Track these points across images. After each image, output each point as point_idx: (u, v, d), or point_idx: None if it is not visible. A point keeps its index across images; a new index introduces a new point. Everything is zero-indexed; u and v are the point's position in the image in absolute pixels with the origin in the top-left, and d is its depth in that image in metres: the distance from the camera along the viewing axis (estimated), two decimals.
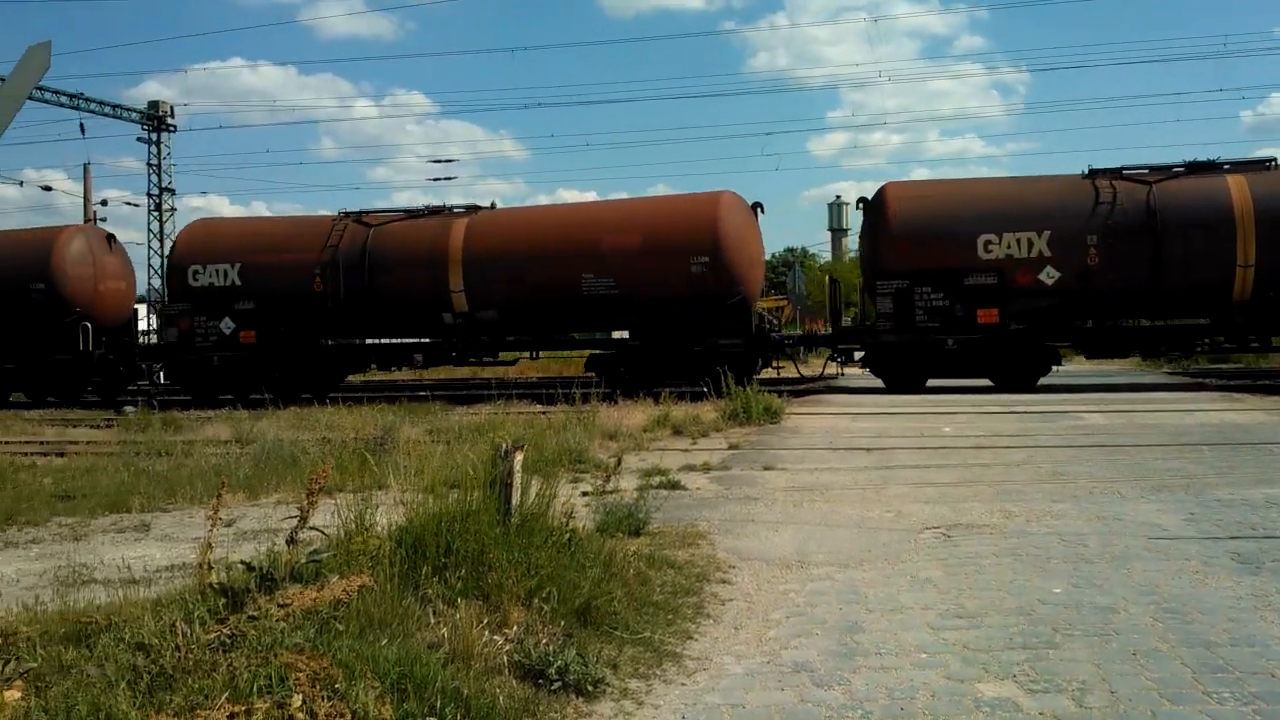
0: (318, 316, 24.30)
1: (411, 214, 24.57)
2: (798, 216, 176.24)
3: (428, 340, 24.91)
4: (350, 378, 28.53)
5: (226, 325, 24.55)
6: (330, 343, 25.30)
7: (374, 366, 26.69)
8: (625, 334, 24.10)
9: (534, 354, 26.39)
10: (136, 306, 29.40)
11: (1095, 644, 4.84)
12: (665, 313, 22.20)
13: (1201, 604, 5.44)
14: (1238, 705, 4.06)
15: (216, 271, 24.66)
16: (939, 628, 5.14)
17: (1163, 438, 12.40)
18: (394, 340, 25.69)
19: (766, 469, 10.65)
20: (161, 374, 27.45)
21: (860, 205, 23.38)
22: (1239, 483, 9.10)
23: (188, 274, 24.76)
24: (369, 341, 25.60)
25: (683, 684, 4.47)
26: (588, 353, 25.30)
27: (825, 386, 24.94)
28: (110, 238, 27.33)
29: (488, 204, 24.66)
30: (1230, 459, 10.63)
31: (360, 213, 24.66)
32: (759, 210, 23.29)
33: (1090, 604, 5.49)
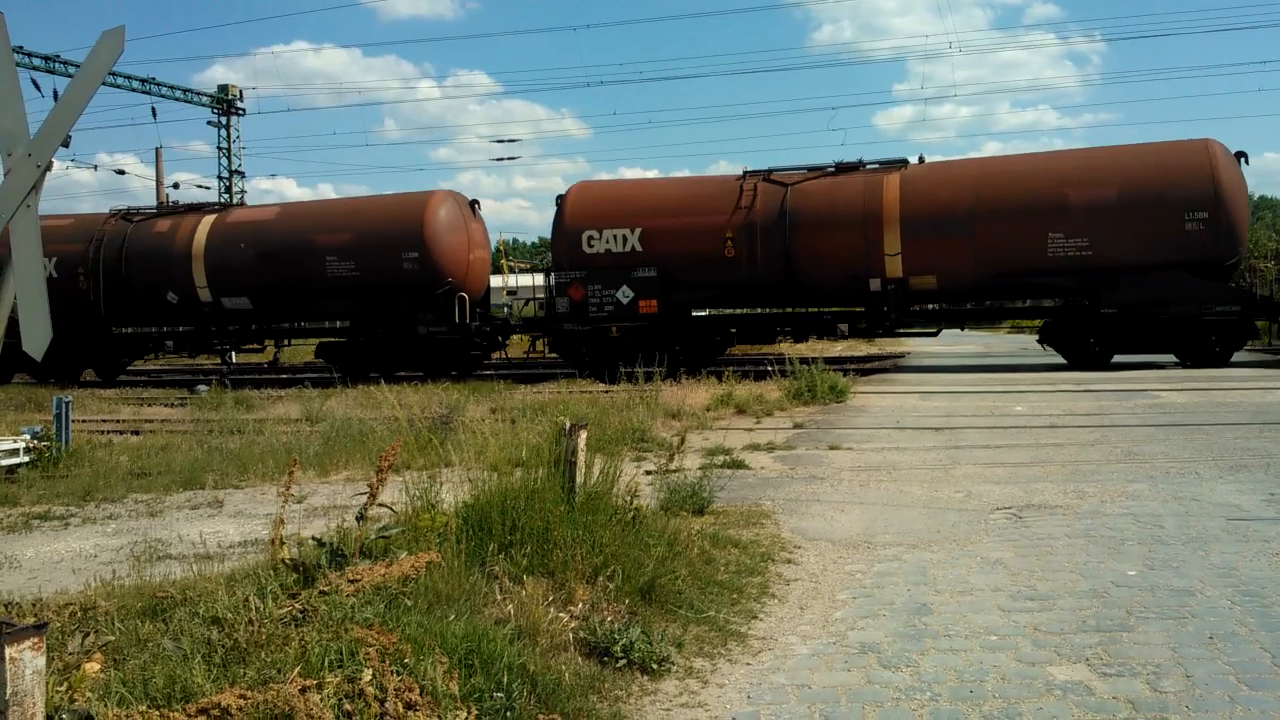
0: (728, 284, 22.55)
1: (817, 171, 22.59)
2: None
3: (852, 309, 22.69)
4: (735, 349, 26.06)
5: (624, 294, 22.98)
6: (740, 312, 23.68)
7: (789, 337, 24.33)
8: (1086, 302, 20.88)
9: (963, 326, 24.44)
10: None
11: (1170, 627, 4.73)
12: (1145, 278, 19.86)
13: None
14: None
15: (614, 237, 23.11)
16: (1009, 610, 5.05)
17: (1242, 416, 12.06)
18: (811, 310, 23.34)
19: (832, 448, 10.57)
20: (546, 346, 25.58)
21: None
22: None
23: (581, 240, 23.21)
24: (786, 310, 23.40)
25: (748, 664, 4.45)
26: (1023, 323, 24.02)
27: (894, 365, 24.69)
28: (474, 204, 25.86)
29: (911, 158, 22.43)
30: None
31: (768, 171, 22.77)
32: (1243, 159, 20.56)
33: (1166, 586, 5.36)
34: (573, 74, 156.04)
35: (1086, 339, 21.08)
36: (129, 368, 30.01)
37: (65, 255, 26.52)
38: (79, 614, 4.30)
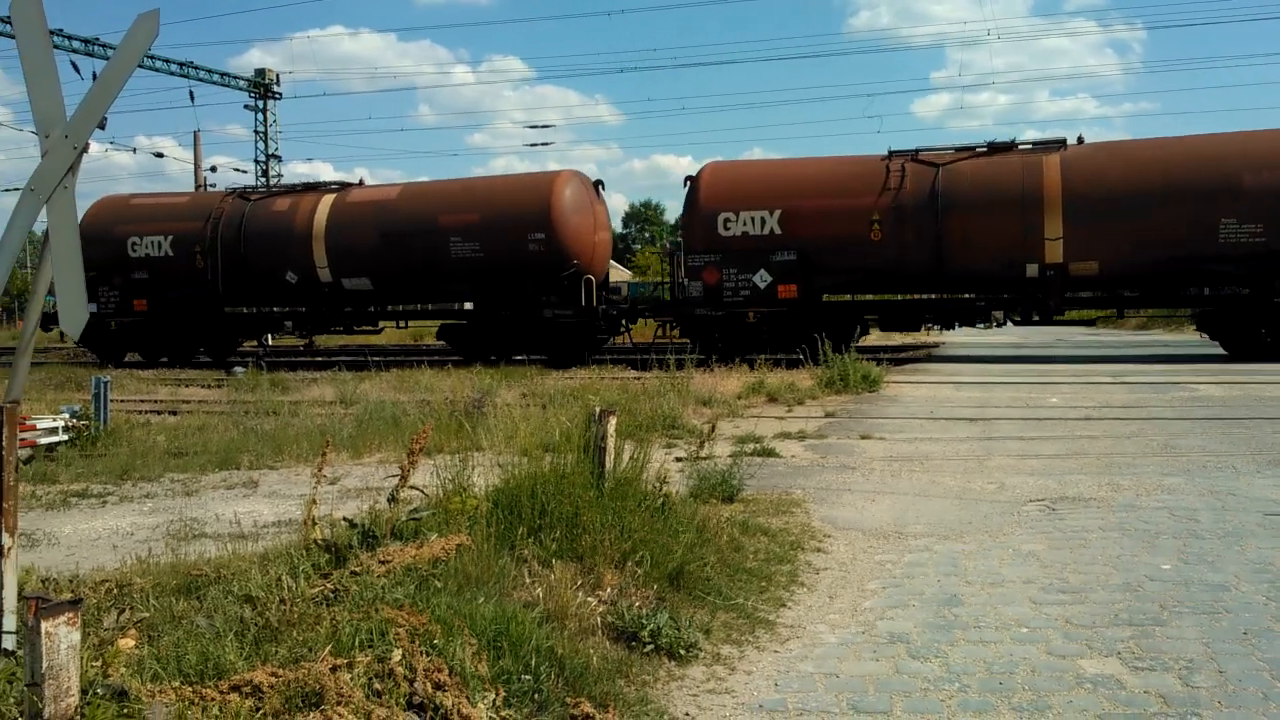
0: (872, 268, 21.59)
1: (967, 151, 21.59)
2: None
3: (1000, 296, 21.62)
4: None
5: (762, 278, 22.02)
6: (880, 298, 22.88)
7: (933, 325, 23.47)
8: (1250, 291, 20.02)
9: (1120, 312, 23.33)
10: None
11: (1204, 622, 4.68)
12: None
13: None
14: None
15: (752, 219, 22.13)
16: (1041, 602, 5.02)
17: None
18: (962, 296, 22.20)
19: (864, 438, 10.52)
20: (675, 330, 24.49)
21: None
22: None
23: (717, 222, 22.27)
24: (933, 297, 22.54)
25: (776, 651, 4.45)
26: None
27: (927, 355, 24.52)
28: (598, 184, 25.13)
29: (1070, 139, 21.32)
30: None
31: (914, 151, 21.77)
32: None
33: (1200, 581, 5.30)
34: (606, 59, 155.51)
35: (1257, 329, 20.21)
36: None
37: (181, 234, 26.39)
38: (115, 591, 4.36)
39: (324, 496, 5.65)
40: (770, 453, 9.48)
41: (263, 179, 46.72)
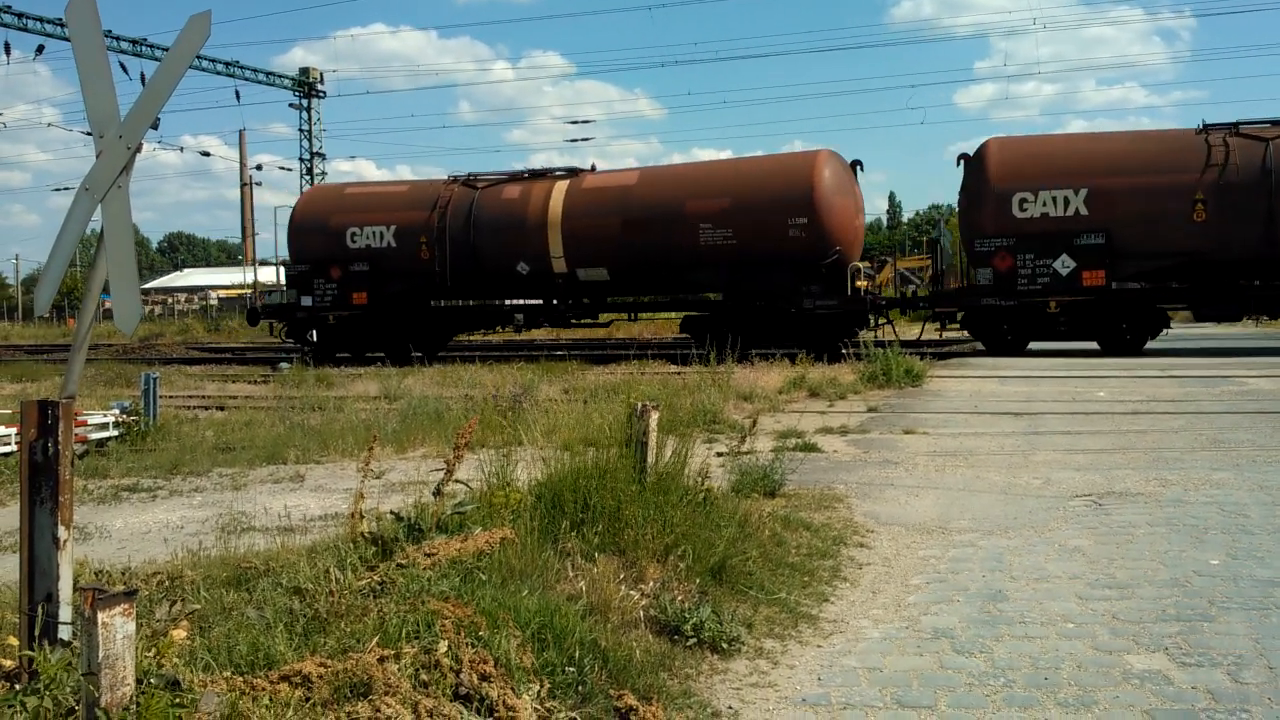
0: (1190, 252, 19.94)
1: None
2: (944, 171, 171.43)
3: None
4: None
5: (1064, 264, 20.38)
6: (1196, 285, 20.81)
7: (1260, 315, 21.76)
8: None
9: None
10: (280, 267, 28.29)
11: (1254, 618, 4.61)
12: None
13: None
14: None
15: (1053, 199, 20.50)
16: (1087, 598, 4.97)
17: None
18: None
19: (906, 433, 10.46)
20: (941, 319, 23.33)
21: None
22: None
23: (1011, 203, 20.70)
24: (1257, 283, 20.66)
25: (818, 646, 4.45)
26: None
27: (971, 350, 24.31)
28: (855, 164, 23.43)
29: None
30: None
31: (1234, 124, 20.27)
32: None
33: (1249, 577, 5.23)
34: (646, 54, 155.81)
35: None
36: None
37: (405, 223, 25.22)
38: (166, 583, 4.44)
39: (369, 490, 5.71)
40: (812, 448, 9.45)
41: (307, 177, 47.19)
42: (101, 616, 2.74)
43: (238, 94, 47.56)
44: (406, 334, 25.71)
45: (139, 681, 2.92)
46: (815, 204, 21.57)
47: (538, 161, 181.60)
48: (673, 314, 26.67)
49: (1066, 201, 20.32)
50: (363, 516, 4.67)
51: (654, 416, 5.84)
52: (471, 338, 30.08)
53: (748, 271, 22.18)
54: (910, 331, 24.85)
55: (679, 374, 15.58)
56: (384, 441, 9.62)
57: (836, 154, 22.76)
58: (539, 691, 3.43)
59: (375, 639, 3.45)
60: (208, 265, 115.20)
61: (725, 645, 4.29)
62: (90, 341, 3.95)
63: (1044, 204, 20.44)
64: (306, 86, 46.44)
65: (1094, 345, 21.58)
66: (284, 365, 22.95)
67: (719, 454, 8.64)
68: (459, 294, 25.92)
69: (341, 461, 9.23)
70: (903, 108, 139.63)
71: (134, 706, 2.84)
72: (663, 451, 5.92)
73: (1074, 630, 4.52)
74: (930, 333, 24.04)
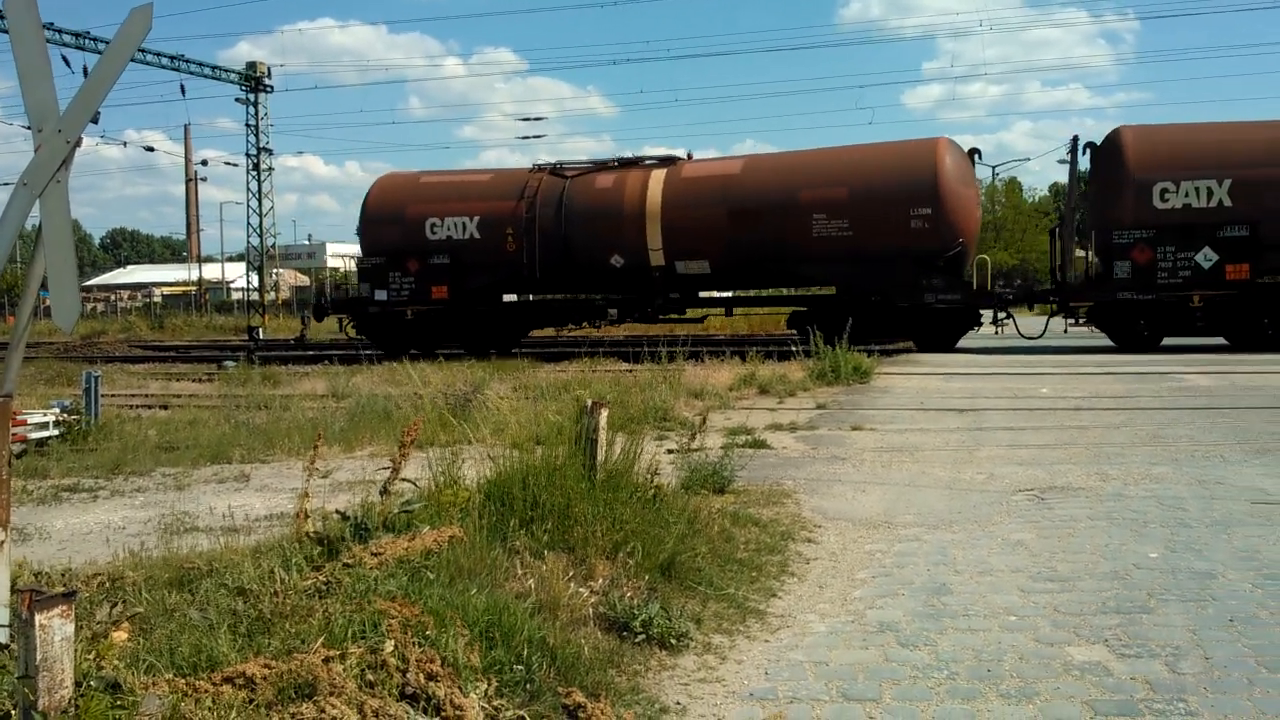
0: None
1: None
2: None
3: None
4: None
5: (1205, 257, 19.70)
6: None
7: None
8: None
9: None
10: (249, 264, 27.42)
11: (1191, 609, 4.72)
12: None
13: None
14: None
15: (1195, 190, 19.73)
16: (1029, 591, 5.06)
17: (1268, 400, 11.96)
18: None
19: (854, 429, 10.56)
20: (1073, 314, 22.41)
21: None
22: None
23: (1152, 194, 19.89)
24: None
25: (766, 640, 4.48)
26: None
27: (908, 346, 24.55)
28: (973, 153, 22.46)
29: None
30: None
31: None
32: None
33: (1187, 569, 5.35)
34: (599, 51, 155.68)
35: None
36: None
37: (489, 214, 24.00)
38: (107, 584, 4.38)
39: (316, 490, 5.65)
40: (761, 444, 9.51)
41: (254, 173, 46.58)
42: (39, 618, 2.69)
43: (183, 88, 46.80)
44: (489, 329, 24.67)
45: (78, 684, 2.88)
46: (940, 194, 20.85)
47: (489, 158, 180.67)
48: (770, 309, 25.80)
49: (1210, 192, 19.74)
50: (308, 516, 4.62)
51: (604, 414, 5.84)
52: (543, 334, 28.57)
53: (864, 264, 21.31)
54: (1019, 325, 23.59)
55: (631, 371, 15.58)
56: (331, 440, 9.53)
57: (955, 142, 22.09)
58: (486, 690, 3.43)
59: (320, 639, 3.42)
60: (151, 262, 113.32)
61: (674, 641, 4.31)
62: (30, 339, 3.87)
63: (1186, 194, 19.81)
64: (253, 81, 45.74)
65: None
66: (229, 363, 22.63)
67: (669, 451, 8.67)
68: (547, 288, 24.85)
69: (288, 461, 9.12)
70: (852, 108, 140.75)
71: (73, 710, 2.79)
72: (612, 449, 5.93)
73: (1016, 623, 4.60)
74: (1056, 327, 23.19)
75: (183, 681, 3.14)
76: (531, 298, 25.59)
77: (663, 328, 27.14)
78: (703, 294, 24.44)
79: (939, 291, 21.19)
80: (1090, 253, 21.49)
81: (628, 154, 24.94)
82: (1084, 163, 22.55)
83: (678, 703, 3.82)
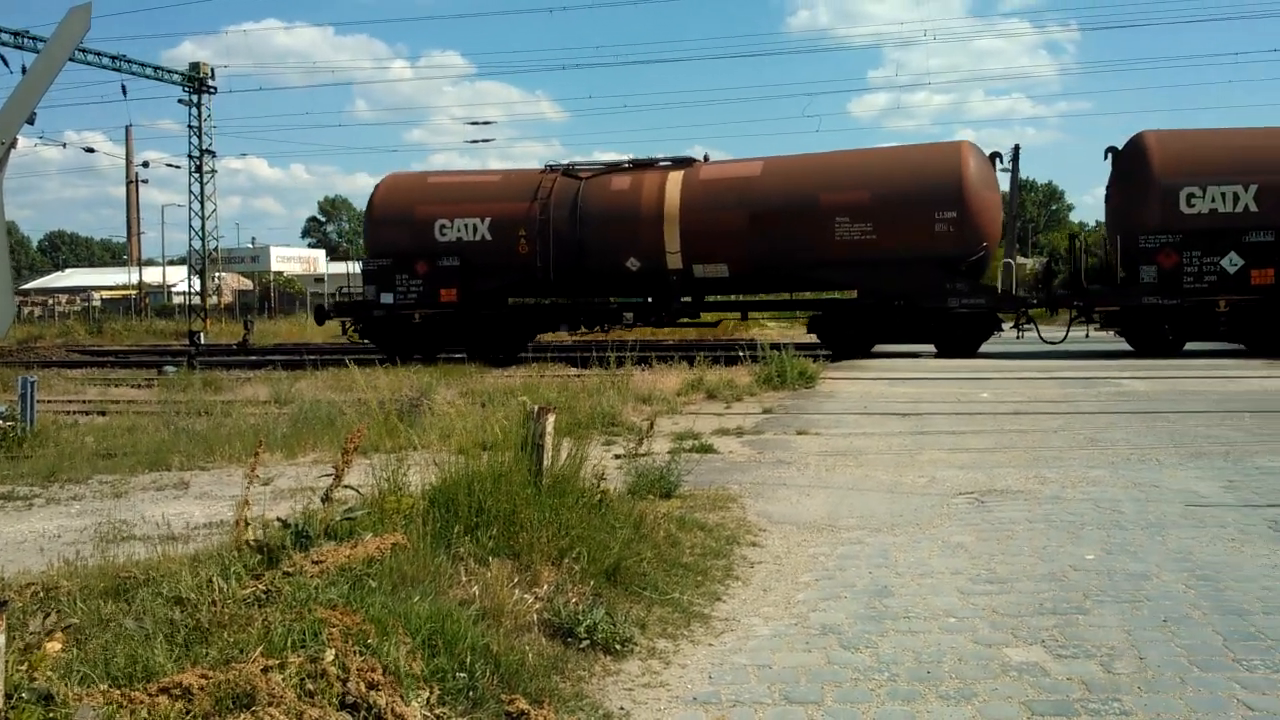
0: None
1: None
2: None
3: None
4: None
5: (1231, 262, 19.62)
6: None
7: None
8: None
9: None
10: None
11: (1126, 610, 4.82)
12: None
13: (1236, 572, 5.39)
14: (1268, 673, 4.03)
15: (1221, 195, 19.73)
16: (969, 593, 5.13)
17: (1204, 404, 12.24)
18: None
19: (800, 433, 10.64)
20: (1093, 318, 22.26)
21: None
22: None
23: (1179, 198, 19.86)
24: None
25: (710, 644, 4.50)
26: None
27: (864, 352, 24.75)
28: (994, 156, 22.33)
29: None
30: (1272, 426, 10.49)
31: None
32: None
33: (1123, 571, 5.46)
34: (548, 56, 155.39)
35: None
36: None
37: (501, 215, 23.48)
38: (41, 594, 4.28)
39: (257, 497, 5.58)
40: (708, 449, 9.55)
41: (197, 174, 45.89)
42: None
43: (124, 89, 46.04)
44: (499, 333, 24.22)
45: (9, 696, 2.83)
46: (965, 197, 20.80)
47: (438, 161, 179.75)
48: (788, 313, 25.25)
49: (1236, 197, 19.78)
50: (248, 524, 4.56)
51: (550, 419, 5.84)
52: (547, 338, 27.57)
53: (887, 268, 21.17)
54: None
55: (579, 377, 15.57)
56: (273, 447, 9.41)
57: (977, 145, 22.04)
58: (429, 698, 3.41)
59: (259, 648, 3.38)
60: (91, 265, 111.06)
61: (618, 646, 4.32)
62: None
63: (1212, 200, 19.83)
64: (196, 82, 45.09)
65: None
66: (170, 369, 22.26)
67: (617, 456, 8.67)
68: (560, 291, 24.37)
69: (228, 468, 9.00)
70: (799, 115, 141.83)
71: None
72: (559, 454, 5.93)
73: (956, 624, 4.66)
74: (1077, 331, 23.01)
75: (118, 692, 3.09)
76: (544, 301, 25.14)
77: (674, 331, 26.98)
78: (720, 298, 24.26)
79: (963, 296, 21.15)
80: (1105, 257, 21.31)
81: (616, 156, 25.27)
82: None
83: (621, 708, 3.83)
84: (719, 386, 14.66)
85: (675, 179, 22.83)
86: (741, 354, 17.66)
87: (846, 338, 22.12)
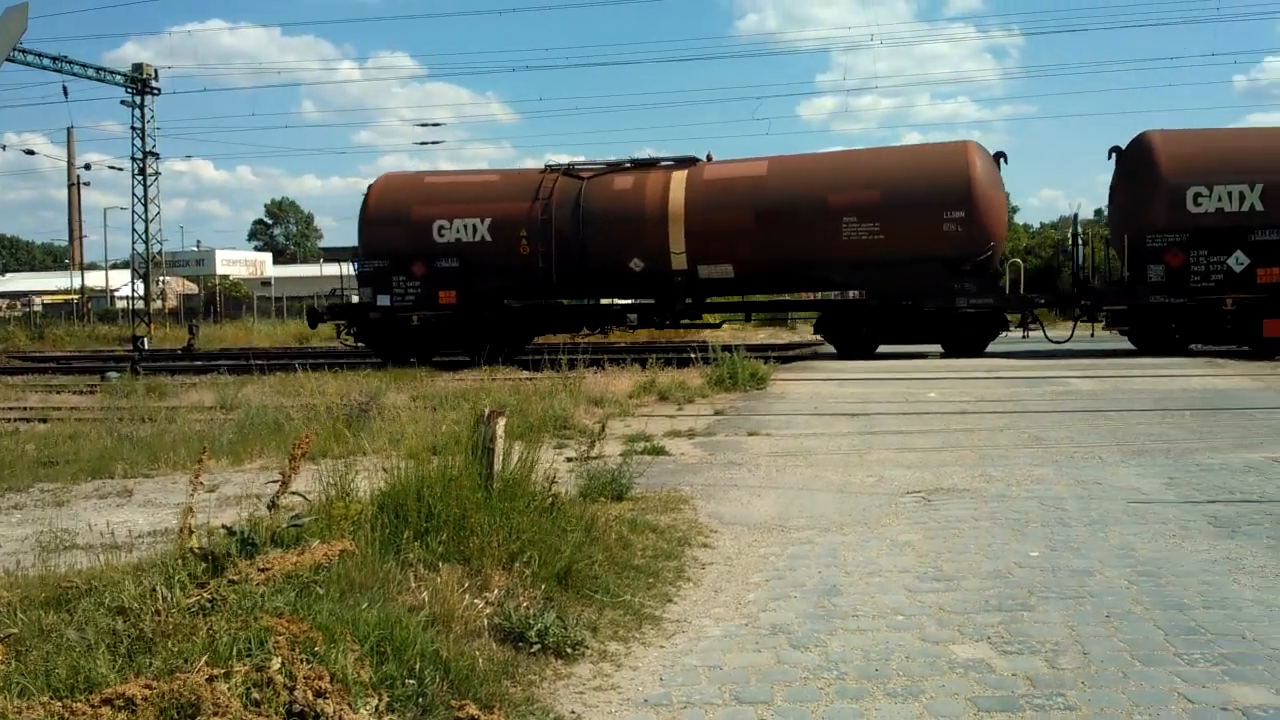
0: None
1: None
2: None
3: None
4: None
5: (1237, 261, 19.84)
6: None
7: None
8: None
9: None
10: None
11: (1070, 606, 4.90)
12: None
13: (1177, 567, 5.50)
14: (1208, 666, 4.12)
15: (1228, 194, 19.94)
16: (916, 590, 5.19)
17: (1146, 403, 12.48)
18: None
19: (751, 434, 10.70)
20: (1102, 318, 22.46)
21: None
22: (1219, 447, 9.18)
23: (1186, 197, 20.06)
24: None
25: (661, 646, 4.51)
26: None
27: (813, 353, 24.89)
28: (999, 156, 22.29)
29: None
30: (1211, 424, 10.72)
31: None
32: None
33: (1066, 567, 5.55)
34: (499, 58, 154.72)
35: None
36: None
37: (501, 216, 23.12)
38: None
39: (202, 504, 5.52)
40: (660, 451, 9.57)
41: (140, 177, 45.14)
42: None
43: (65, 90, 44.86)
44: (498, 335, 23.54)
45: None
46: (973, 197, 20.91)
47: (387, 163, 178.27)
48: (794, 314, 25.38)
49: (1242, 197, 20.00)
50: (193, 531, 4.50)
51: (501, 422, 5.81)
52: (544, 339, 26.89)
53: (895, 268, 21.16)
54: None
55: (530, 380, 15.53)
56: (219, 453, 9.28)
57: (981, 145, 22.09)
58: (377, 705, 3.39)
59: (204, 658, 3.34)
60: (32, 269, 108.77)
61: (570, 650, 4.31)
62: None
63: (1219, 199, 20.04)
64: (140, 83, 44.30)
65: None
66: (113, 374, 21.86)
67: (568, 459, 8.66)
68: (563, 292, 24.25)
69: (173, 475, 8.85)
70: (749, 118, 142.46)
71: None
72: (510, 458, 5.90)
73: (903, 622, 4.72)
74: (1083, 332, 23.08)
75: (59, 704, 3.04)
76: (546, 302, 24.85)
77: (676, 333, 26.75)
78: (724, 299, 24.07)
79: (971, 295, 21.27)
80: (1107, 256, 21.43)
81: (609, 156, 25.08)
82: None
83: (572, 711, 3.83)
84: (671, 388, 14.69)
85: (679, 179, 22.73)
86: (694, 356, 17.71)
87: (853, 338, 22.20)
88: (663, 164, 23.37)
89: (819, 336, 23.28)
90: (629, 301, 24.14)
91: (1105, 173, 22.67)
